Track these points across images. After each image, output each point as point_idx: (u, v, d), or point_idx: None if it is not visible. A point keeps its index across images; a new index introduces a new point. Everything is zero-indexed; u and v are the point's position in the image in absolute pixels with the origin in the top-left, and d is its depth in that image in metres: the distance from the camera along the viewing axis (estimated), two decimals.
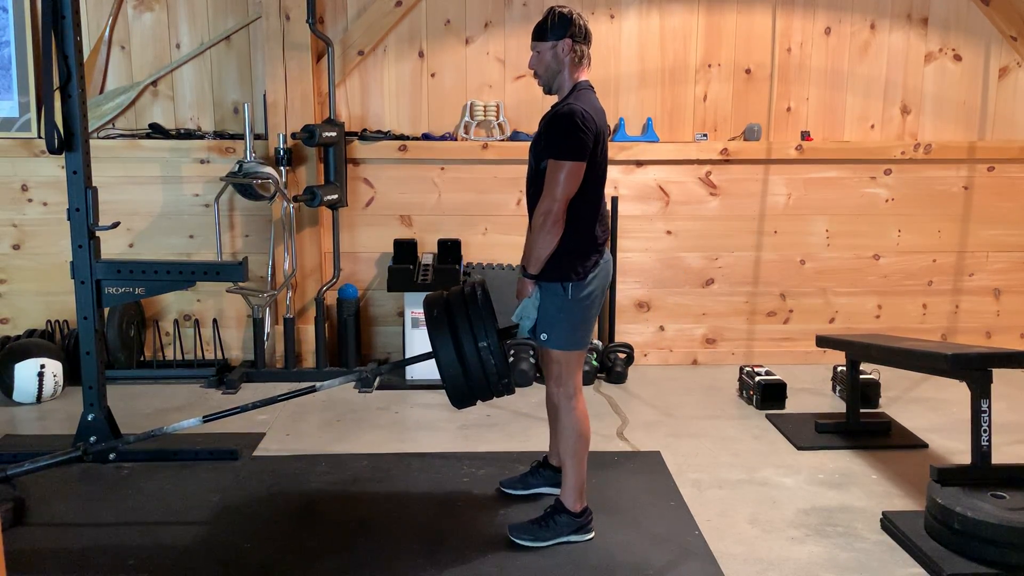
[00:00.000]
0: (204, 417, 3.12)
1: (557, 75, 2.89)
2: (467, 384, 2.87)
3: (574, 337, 2.91)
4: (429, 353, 2.95)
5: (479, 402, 2.98)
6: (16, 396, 4.37)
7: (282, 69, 4.67)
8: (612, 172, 4.90)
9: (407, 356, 4.67)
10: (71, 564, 2.83)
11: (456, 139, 4.89)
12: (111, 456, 3.56)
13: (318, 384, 3.17)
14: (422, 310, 2.99)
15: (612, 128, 4.91)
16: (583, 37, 2.88)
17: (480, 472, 3.54)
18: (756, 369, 4.48)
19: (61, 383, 4.47)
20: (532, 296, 2.90)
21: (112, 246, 4.71)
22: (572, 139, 2.73)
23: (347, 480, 3.47)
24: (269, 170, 4.48)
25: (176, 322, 4.93)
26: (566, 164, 2.74)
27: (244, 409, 3.18)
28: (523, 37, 4.87)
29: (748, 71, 4.94)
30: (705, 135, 4.95)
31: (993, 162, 5.02)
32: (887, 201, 5.03)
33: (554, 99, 2.98)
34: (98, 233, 3.48)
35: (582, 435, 2.95)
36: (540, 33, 2.88)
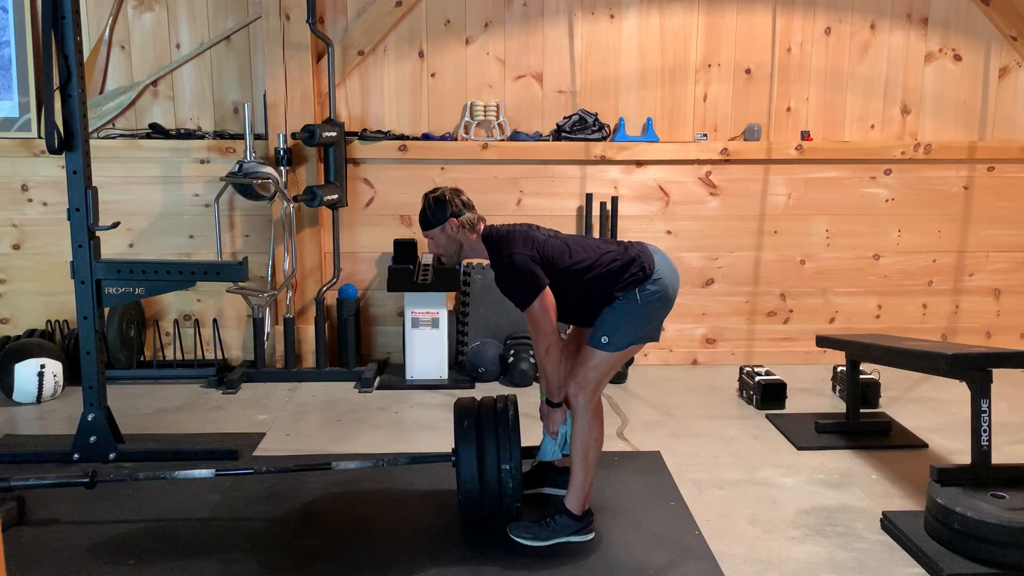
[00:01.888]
0: (217, 472, 3.15)
1: (460, 250, 2.99)
2: (481, 501, 2.96)
3: (635, 336, 2.91)
4: (449, 455, 3.07)
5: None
6: (16, 396, 4.37)
7: (282, 69, 4.67)
8: (612, 172, 4.92)
9: (406, 356, 4.67)
10: (71, 564, 2.83)
11: (456, 139, 4.89)
12: (111, 455, 3.57)
13: (334, 464, 3.23)
14: (453, 411, 3.09)
15: (612, 128, 4.92)
16: (463, 207, 2.95)
17: None
18: (756, 369, 4.48)
19: (61, 383, 4.47)
20: (567, 421, 2.98)
21: (112, 246, 4.72)
22: (523, 283, 2.83)
23: (347, 480, 3.47)
24: (269, 170, 4.48)
25: (176, 322, 4.93)
26: (535, 304, 2.83)
27: (258, 472, 3.25)
28: (523, 37, 4.88)
29: (748, 71, 4.94)
30: (705, 135, 4.95)
31: (993, 162, 5.02)
32: (887, 201, 5.03)
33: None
34: (98, 233, 3.48)
35: (596, 440, 2.96)
36: (425, 224, 2.98)
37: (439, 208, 2.93)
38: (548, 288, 2.85)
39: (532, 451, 3.13)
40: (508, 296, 2.91)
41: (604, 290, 2.89)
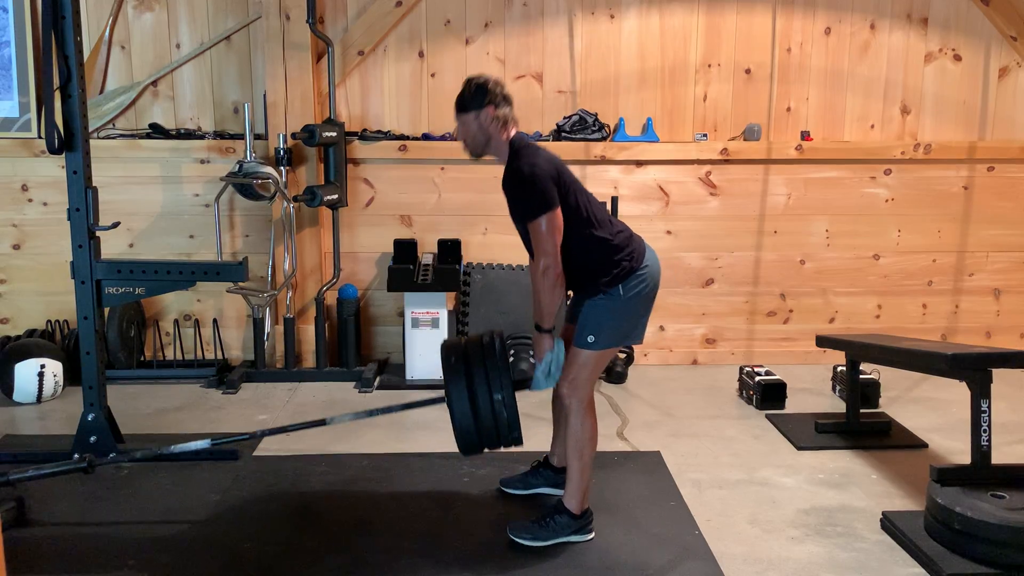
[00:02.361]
0: (213, 440, 3.13)
1: (487, 143, 2.93)
2: (477, 434, 2.91)
3: (621, 333, 2.91)
4: (440, 398, 3.00)
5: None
6: (16, 396, 4.37)
7: (282, 69, 4.67)
8: (612, 172, 4.92)
9: (406, 356, 4.67)
10: (71, 564, 2.83)
11: (456, 139, 4.88)
12: (111, 455, 3.56)
13: (327, 418, 3.19)
14: (440, 355, 3.03)
15: (612, 128, 4.91)
16: (502, 100, 2.90)
17: (480, 472, 3.54)
18: (756, 369, 4.48)
19: (61, 383, 4.47)
20: (555, 348, 2.92)
21: (112, 246, 4.72)
22: (534, 196, 2.78)
23: (347, 480, 3.48)
24: (269, 170, 4.48)
25: (176, 322, 4.93)
26: (542, 219, 2.78)
27: (252, 436, 3.21)
28: (523, 37, 4.88)
29: (748, 71, 4.94)
30: (705, 135, 4.95)
31: (993, 162, 5.02)
32: (887, 201, 5.03)
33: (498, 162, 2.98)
34: (98, 233, 3.48)
35: (591, 439, 2.95)
36: (461, 106, 2.92)
37: (479, 94, 2.87)
38: (559, 211, 2.79)
39: (524, 383, 3.03)
40: (515, 207, 2.84)
41: (599, 259, 2.86)
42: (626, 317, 2.91)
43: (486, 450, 2.97)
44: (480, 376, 2.87)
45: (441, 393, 2.96)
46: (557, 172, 2.83)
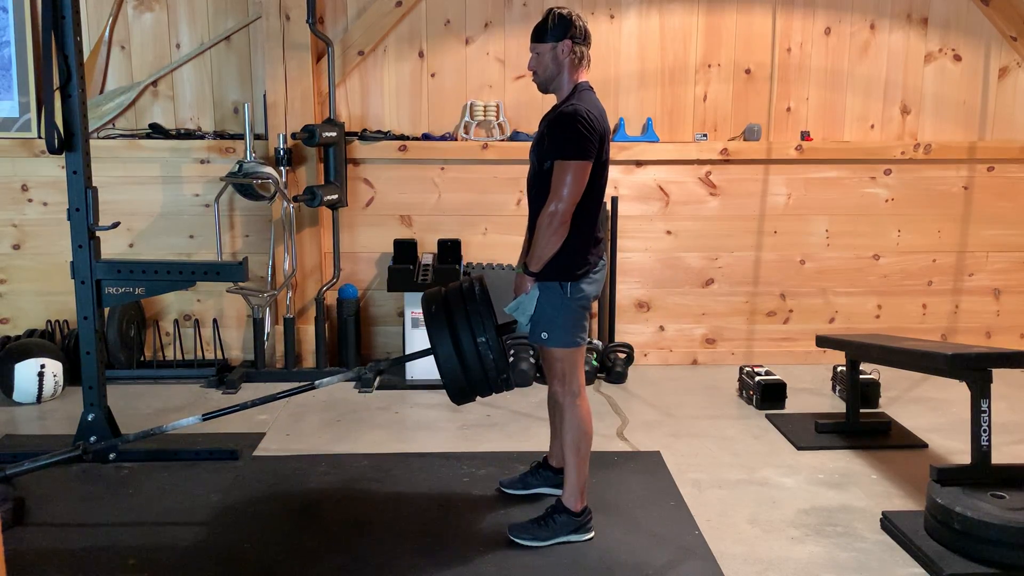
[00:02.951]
0: (204, 415, 3.12)
1: (556, 77, 2.88)
2: (466, 379, 2.87)
3: (572, 335, 2.91)
4: (428, 349, 2.95)
5: (478, 398, 2.97)
6: (16, 396, 4.37)
7: (282, 69, 4.67)
8: (612, 172, 4.89)
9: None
10: (71, 564, 2.83)
11: (456, 139, 4.89)
12: (111, 456, 3.56)
13: (317, 381, 3.17)
14: (421, 307, 2.99)
15: (612, 128, 4.91)
16: (583, 38, 2.86)
17: (480, 472, 3.54)
18: (756, 369, 4.48)
19: (61, 383, 4.47)
20: (530, 292, 2.89)
21: (112, 246, 4.71)
22: (578, 139, 2.72)
23: (347, 480, 3.47)
24: (269, 170, 4.48)
25: (176, 322, 4.93)
26: (572, 164, 2.73)
27: (244, 407, 3.19)
28: (523, 37, 4.86)
29: (748, 71, 4.94)
30: (705, 135, 4.95)
31: (993, 162, 5.02)
32: (887, 201, 5.03)
33: (553, 99, 2.96)
34: (98, 233, 3.48)
35: (586, 434, 2.96)
36: (539, 34, 2.86)
37: (561, 25, 2.82)
38: (591, 167, 2.75)
39: (509, 326, 3.00)
40: (552, 140, 2.77)
41: (575, 240, 2.81)
42: (571, 320, 2.89)
43: (479, 398, 2.94)
44: (462, 320, 2.84)
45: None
46: (603, 134, 2.80)
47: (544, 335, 2.90)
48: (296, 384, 3.28)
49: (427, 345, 2.94)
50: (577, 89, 2.87)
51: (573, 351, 2.92)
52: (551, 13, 2.86)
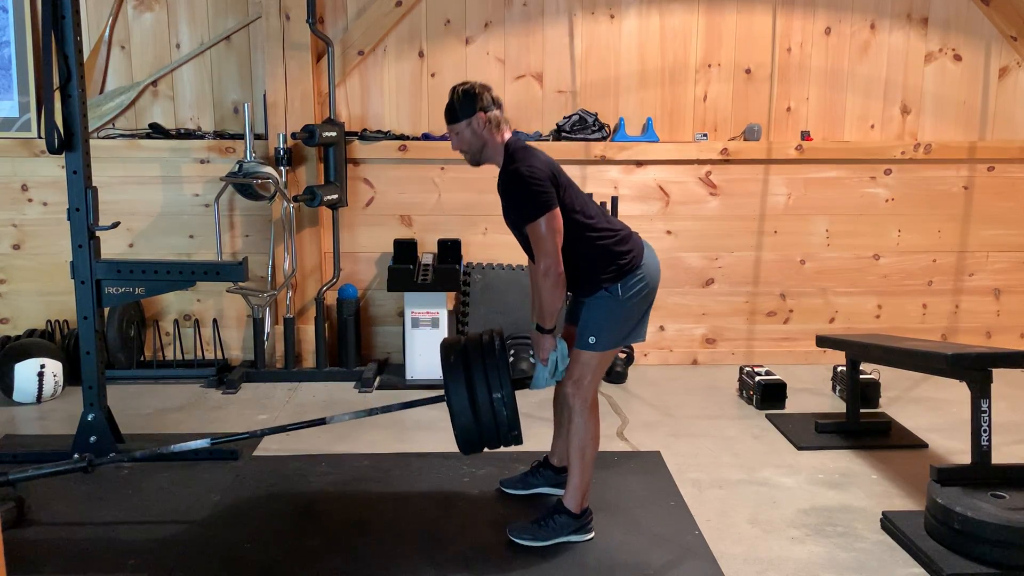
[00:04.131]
0: (212, 440, 3.14)
1: (483, 148, 2.92)
2: (478, 432, 2.91)
3: (621, 334, 2.92)
4: (440, 397, 3.00)
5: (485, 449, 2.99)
6: (16, 396, 4.37)
7: (282, 69, 4.67)
8: (612, 172, 4.92)
9: (406, 356, 4.67)
10: (71, 564, 2.83)
11: (452, 148, 4.88)
12: (111, 455, 3.56)
13: (327, 417, 3.20)
14: (440, 353, 3.03)
15: (612, 128, 4.91)
16: (491, 104, 2.88)
17: (480, 472, 3.54)
18: (756, 369, 4.48)
19: (61, 383, 4.47)
20: (559, 347, 2.92)
21: (112, 246, 4.71)
22: (533, 196, 2.76)
23: (347, 480, 3.47)
24: (269, 170, 4.48)
25: (176, 322, 4.93)
26: (540, 221, 2.77)
27: (253, 435, 3.23)
28: (523, 37, 4.88)
29: (748, 71, 4.94)
30: (705, 135, 4.95)
31: (993, 162, 5.02)
32: (887, 201, 5.03)
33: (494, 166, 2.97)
34: (98, 233, 3.48)
35: (594, 439, 2.95)
36: (451, 116, 2.89)
37: (468, 101, 2.85)
38: (558, 211, 2.78)
39: (524, 381, 3.04)
40: (513, 208, 2.83)
41: (599, 258, 2.85)
42: (626, 318, 2.91)
43: (486, 449, 2.97)
44: (479, 375, 2.87)
45: (441, 392, 2.96)
46: (553, 173, 2.83)
47: (592, 339, 2.89)
48: (307, 420, 3.28)
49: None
50: (508, 149, 2.89)
51: (604, 354, 2.91)
52: (454, 92, 2.88)
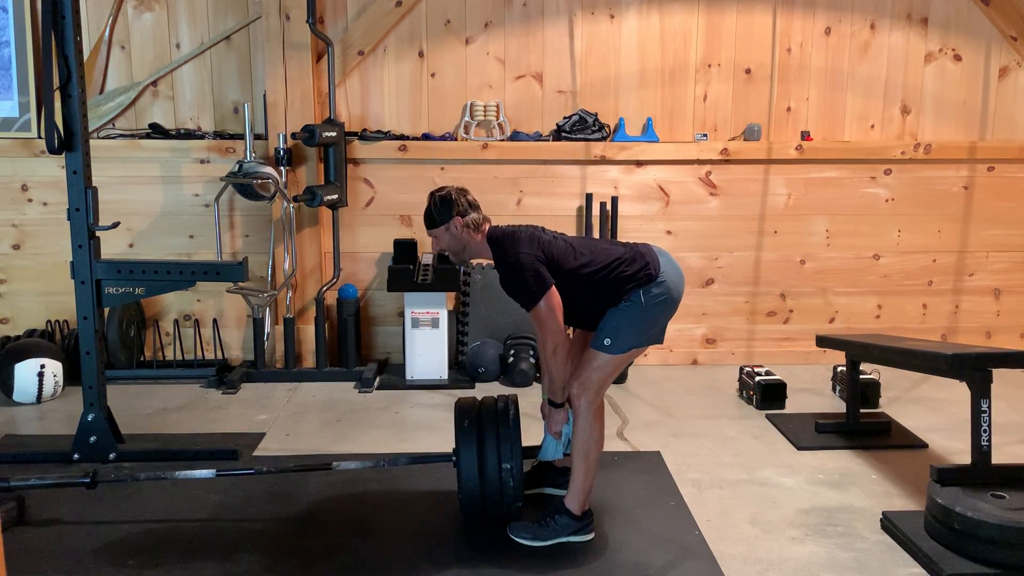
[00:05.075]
0: (218, 472, 3.16)
1: (464, 248, 2.98)
2: (481, 500, 2.95)
3: (641, 336, 2.92)
4: (449, 455, 3.05)
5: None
6: (16, 396, 4.37)
7: (282, 69, 4.67)
8: (612, 172, 4.92)
9: (406, 356, 4.67)
10: (71, 564, 2.83)
11: (456, 139, 4.89)
12: (111, 455, 3.57)
13: (334, 464, 3.24)
14: (453, 411, 3.08)
15: (612, 128, 4.92)
16: (468, 207, 2.94)
17: None
18: (756, 369, 4.48)
19: (61, 383, 4.46)
20: (569, 422, 2.97)
21: (112, 246, 4.72)
22: (528, 282, 2.82)
23: (347, 480, 3.47)
24: (269, 170, 4.48)
25: (176, 322, 4.93)
26: (540, 304, 2.83)
27: (259, 472, 3.28)
28: (523, 37, 4.88)
29: (748, 71, 4.94)
30: (705, 135, 4.95)
31: (993, 162, 5.02)
32: (887, 201, 5.03)
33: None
34: (98, 233, 3.48)
35: (597, 442, 2.95)
36: (430, 223, 2.96)
37: (444, 207, 2.92)
38: (554, 288, 2.84)
39: (533, 451, 3.13)
40: (514, 297, 2.90)
41: (611, 293, 2.89)
42: (645, 323, 2.91)
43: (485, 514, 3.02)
44: (491, 443, 2.93)
45: (449, 448, 2.98)
46: (540, 248, 2.88)
47: (607, 341, 2.89)
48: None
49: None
50: (493, 242, 2.95)
51: (620, 357, 2.92)
52: (432, 199, 2.95)
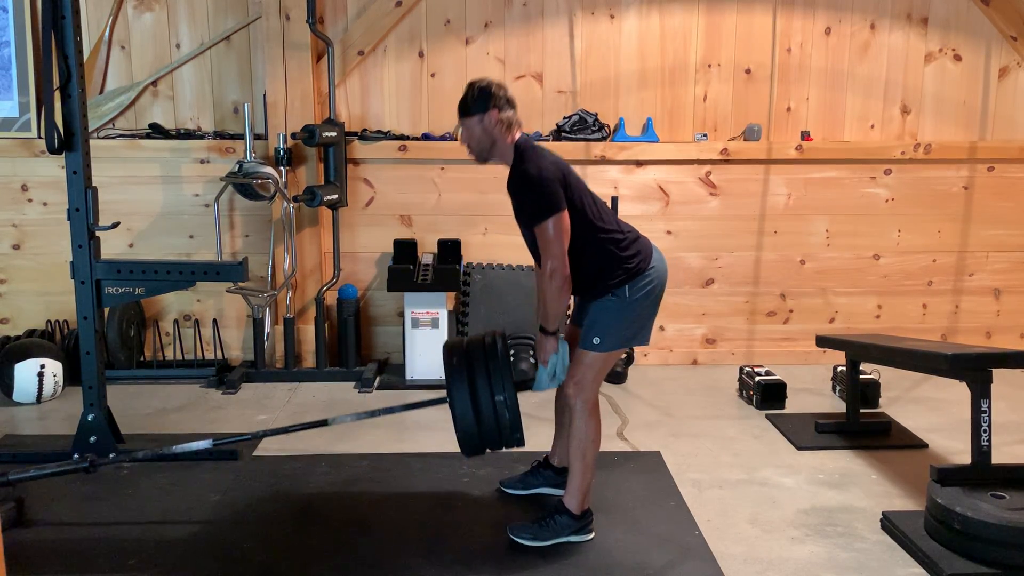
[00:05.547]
0: (215, 441, 3.13)
1: (491, 146, 2.91)
2: (479, 435, 2.91)
3: (627, 335, 2.92)
4: (443, 399, 2.99)
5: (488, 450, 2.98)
6: (16, 396, 4.37)
7: (282, 69, 4.67)
8: (612, 172, 4.92)
9: (406, 356, 4.67)
10: (71, 564, 2.83)
11: (456, 139, 4.89)
12: (111, 455, 3.56)
13: (329, 419, 3.19)
14: (442, 356, 3.03)
15: (612, 128, 4.91)
16: (505, 103, 2.88)
17: (480, 472, 3.54)
18: (756, 369, 4.48)
19: (61, 383, 4.47)
20: (560, 350, 2.91)
21: (112, 246, 4.72)
22: (541, 198, 2.77)
23: (347, 480, 3.47)
24: (269, 170, 4.48)
25: (176, 322, 4.93)
26: (548, 222, 2.77)
27: (255, 436, 3.22)
28: (523, 37, 4.88)
29: (748, 71, 4.94)
30: (705, 135, 4.95)
31: (993, 162, 5.02)
32: (887, 201, 5.03)
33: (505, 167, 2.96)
34: (98, 233, 3.48)
35: (593, 441, 2.95)
36: (464, 110, 2.89)
37: (483, 97, 2.84)
38: (567, 214, 2.78)
39: (526, 383, 3.05)
40: (521, 209, 2.83)
41: (602, 266, 2.86)
42: (632, 319, 2.91)
43: (488, 451, 2.97)
44: (482, 377, 2.87)
45: (443, 393, 2.96)
46: (563, 174, 2.83)
47: (596, 340, 2.89)
48: (309, 421, 3.27)
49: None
50: (518, 150, 2.89)
51: (611, 355, 2.92)
52: (471, 88, 2.88)
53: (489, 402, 2.86)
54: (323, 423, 3.17)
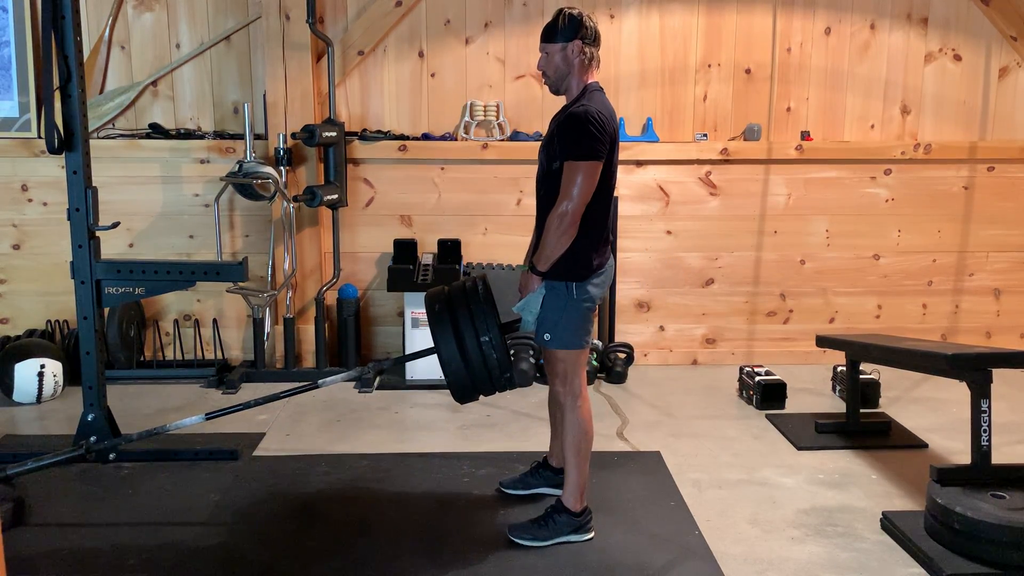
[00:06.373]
0: (207, 414, 3.12)
1: (566, 77, 2.86)
2: (469, 378, 2.87)
3: (576, 336, 2.91)
4: (431, 348, 2.95)
5: (481, 396, 2.97)
6: (16, 396, 4.37)
7: (282, 69, 4.67)
8: None
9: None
10: (71, 564, 2.83)
11: (456, 139, 4.89)
12: (111, 456, 3.56)
13: (320, 380, 3.17)
14: (424, 306, 2.99)
15: None
16: (592, 39, 2.84)
17: (480, 472, 3.54)
18: (756, 369, 4.48)
19: (61, 383, 4.47)
20: (537, 291, 2.89)
21: (112, 246, 4.71)
22: (588, 140, 2.72)
23: (347, 480, 3.47)
24: (269, 170, 4.48)
25: (176, 322, 4.93)
26: (583, 164, 2.72)
27: (247, 406, 3.19)
28: (523, 37, 4.88)
29: (748, 71, 4.94)
30: (705, 135, 4.95)
31: (993, 162, 5.02)
32: (887, 201, 5.03)
33: (562, 100, 2.95)
34: (98, 233, 3.48)
35: (586, 434, 2.96)
36: (549, 35, 2.85)
37: (572, 25, 2.80)
38: (600, 169, 2.74)
39: (513, 325, 3.02)
40: (561, 139, 2.76)
41: (583, 239, 2.82)
42: (578, 320, 2.90)
43: (481, 397, 2.95)
44: (466, 320, 2.84)
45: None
46: (612, 137, 2.80)
47: (547, 336, 2.90)
48: (299, 384, 3.28)
49: (429, 344, 2.94)
50: (587, 90, 2.85)
51: (576, 352, 2.92)
52: (561, 13, 2.83)
53: (475, 344, 2.82)
54: (315, 386, 3.16)
